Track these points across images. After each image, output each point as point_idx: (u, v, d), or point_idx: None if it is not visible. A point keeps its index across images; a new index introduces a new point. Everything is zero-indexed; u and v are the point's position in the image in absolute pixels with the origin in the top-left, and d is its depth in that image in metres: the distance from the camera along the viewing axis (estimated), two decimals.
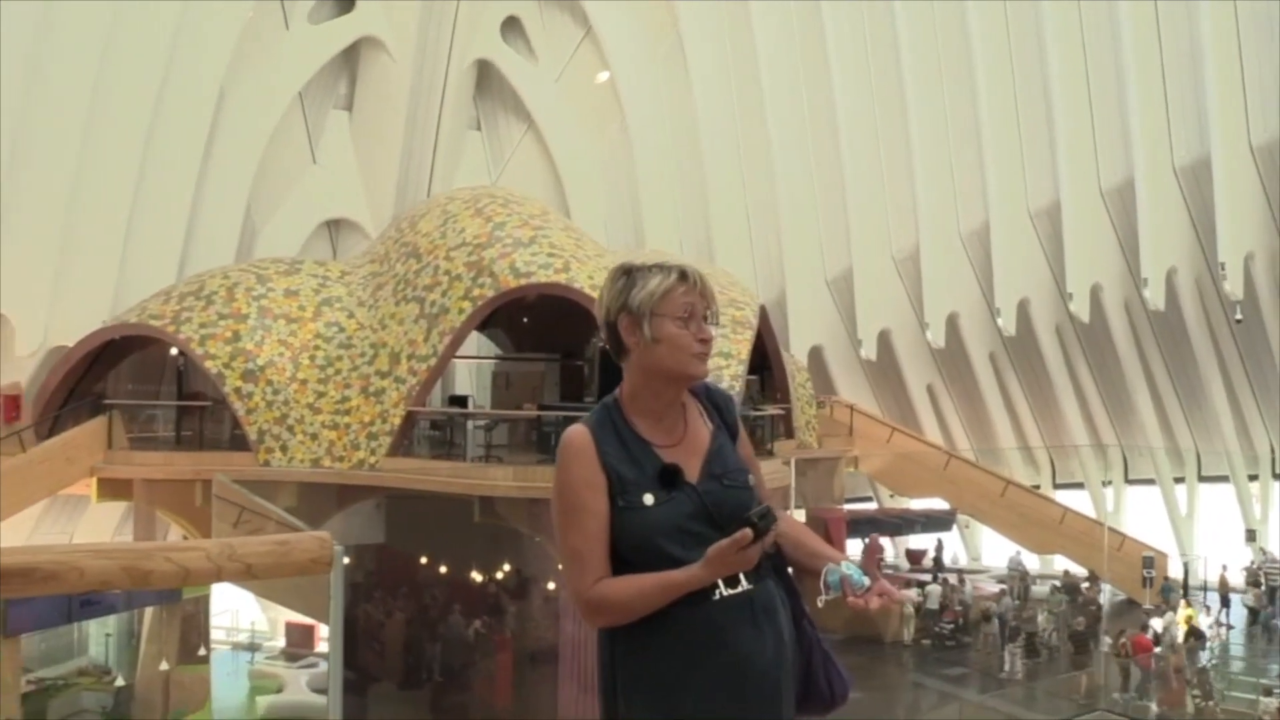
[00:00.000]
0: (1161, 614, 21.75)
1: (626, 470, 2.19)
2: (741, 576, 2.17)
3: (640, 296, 2.21)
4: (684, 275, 2.24)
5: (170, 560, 1.66)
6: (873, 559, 2.24)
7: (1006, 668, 20.62)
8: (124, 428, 19.37)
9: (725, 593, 2.16)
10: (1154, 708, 18.66)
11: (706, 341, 2.24)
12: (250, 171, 23.39)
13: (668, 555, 2.15)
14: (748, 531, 2.06)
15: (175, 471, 18.75)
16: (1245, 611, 24.60)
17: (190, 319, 19.14)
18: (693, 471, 2.23)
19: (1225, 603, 25.08)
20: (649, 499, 2.18)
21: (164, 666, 15.82)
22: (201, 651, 16.13)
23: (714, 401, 2.39)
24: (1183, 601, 22.71)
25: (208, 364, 18.92)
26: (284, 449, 18.96)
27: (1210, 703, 18.03)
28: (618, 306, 2.23)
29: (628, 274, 2.26)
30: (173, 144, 21.84)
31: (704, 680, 2.14)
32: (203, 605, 17.00)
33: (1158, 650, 19.61)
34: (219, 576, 1.71)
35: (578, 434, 2.23)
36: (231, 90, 22.91)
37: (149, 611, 16.98)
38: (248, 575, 1.74)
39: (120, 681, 15.82)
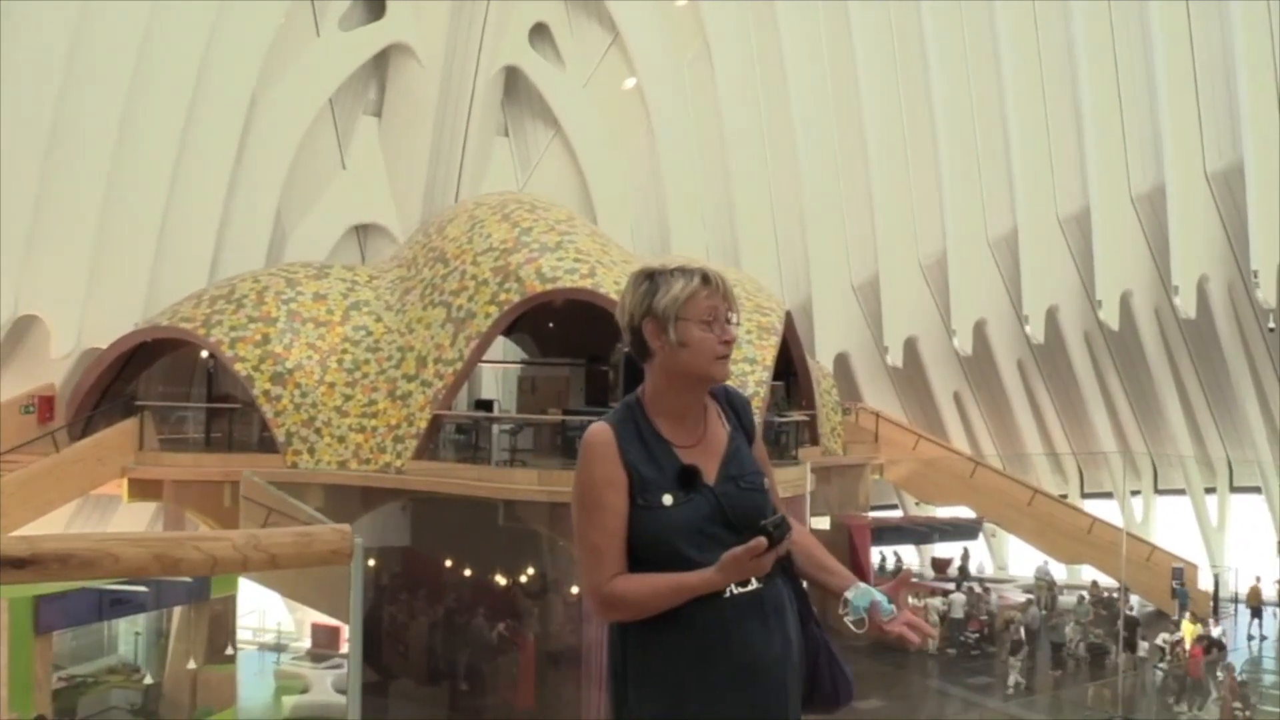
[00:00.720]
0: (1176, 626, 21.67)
1: (647, 469, 2.24)
2: (752, 576, 2.21)
3: (665, 301, 2.25)
4: (706, 279, 2.28)
5: (199, 549, 1.73)
6: (900, 588, 2.27)
7: (1011, 681, 20.41)
8: (155, 429, 19.63)
9: (736, 592, 2.20)
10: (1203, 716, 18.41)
11: (729, 344, 2.28)
12: (281, 176, 23.64)
13: (683, 556, 2.19)
14: (762, 540, 2.10)
15: (204, 473, 18.98)
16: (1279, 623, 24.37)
17: (221, 322, 19.37)
18: (710, 473, 2.28)
19: (1257, 614, 24.78)
20: (668, 499, 2.22)
21: (191, 665, 15.98)
22: (229, 651, 16.28)
23: (732, 404, 2.43)
24: (1188, 615, 22.45)
25: (237, 366, 19.14)
26: (311, 451, 19.14)
27: (1248, 714, 17.82)
28: (642, 311, 2.27)
29: (650, 278, 2.30)
30: (205, 149, 22.12)
31: (714, 677, 2.18)
32: (230, 605, 17.16)
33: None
34: (245, 566, 1.77)
35: (600, 432, 2.28)
36: (263, 96, 23.17)
37: (177, 611, 17.16)
38: (272, 565, 1.80)
39: (149, 680, 16.02)
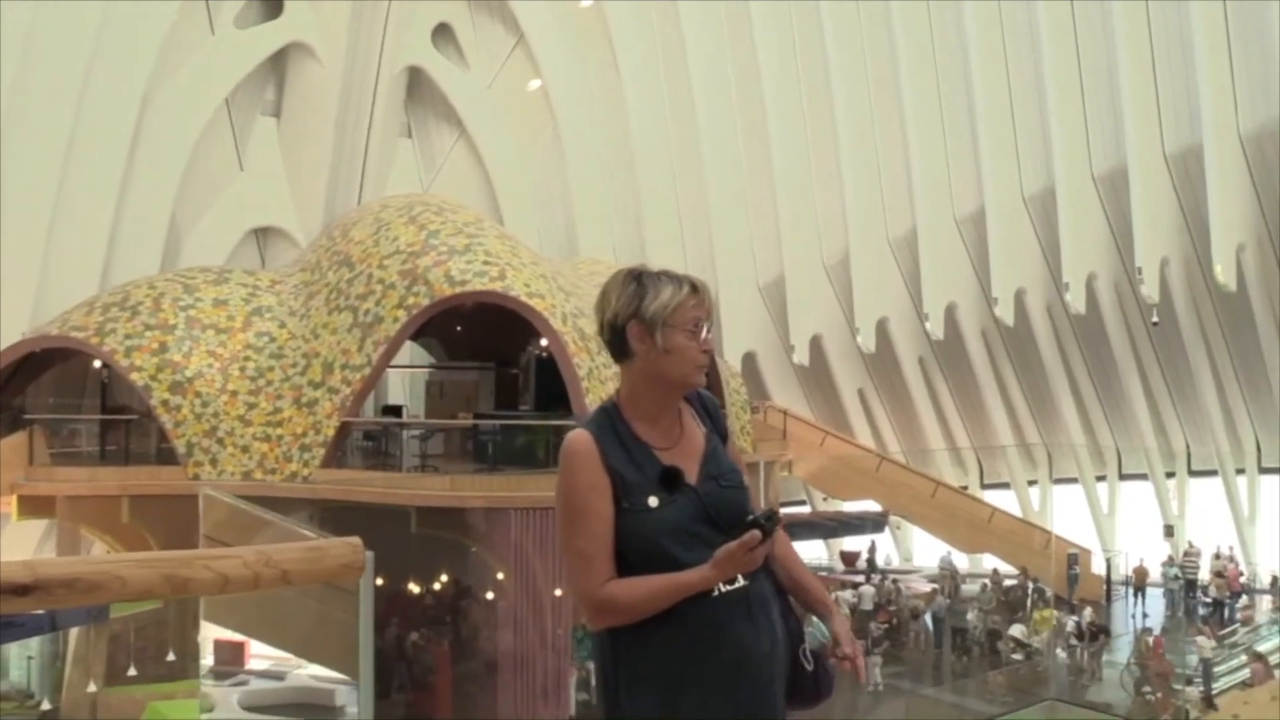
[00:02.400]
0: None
1: (630, 473, 2.24)
2: (739, 574, 2.23)
3: (654, 306, 2.26)
4: (694, 288, 2.30)
5: (209, 568, 1.65)
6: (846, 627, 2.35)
7: (868, 679, 20.22)
8: (45, 443, 18.78)
9: (724, 590, 2.21)
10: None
11: (708, 353, 2.31)
12: (175, 179, 22.90)
13: (671, 556, 2.20)
14: (756, 533, 2.12)
15: (100, 487, 18.21)
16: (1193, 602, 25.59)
17: (115, 330, 18.65)
18: (691, 473, 2.29)
19: (1140, 594, 25.66)
20: (653, 501, 2.23)
21: (91, 688, 15.38)
22: (131, 672, 15.71)
23: (704, 406, 2.45)
24: (1043, 603, 23.07)
25: (133, 376, 18.46)
26: (214, 462, 18.57)
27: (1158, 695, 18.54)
28: (629, 313, 2.27)
29: (638, 280, 2.30)
30: (94, 150, 21.29)
31: (705, 675, 2.20)
32: (130, 625, 16.57)
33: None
34: (256, 583, 1.70)
35: (580, 438, 2.27)
36: (155, 96, 22.41)
37: (74, 633, 16.50)
38: (283, 581, 1.73)
39: (45, 705, 15.36)
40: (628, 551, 2.21)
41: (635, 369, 2.31)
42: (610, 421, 2.30)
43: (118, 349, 18.50)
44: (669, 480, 2.24)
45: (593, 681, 18.09)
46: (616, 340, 2.31)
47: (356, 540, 1.94)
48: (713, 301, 2.36)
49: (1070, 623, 21.60)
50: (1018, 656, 20.95)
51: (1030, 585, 24.85)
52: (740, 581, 2.23)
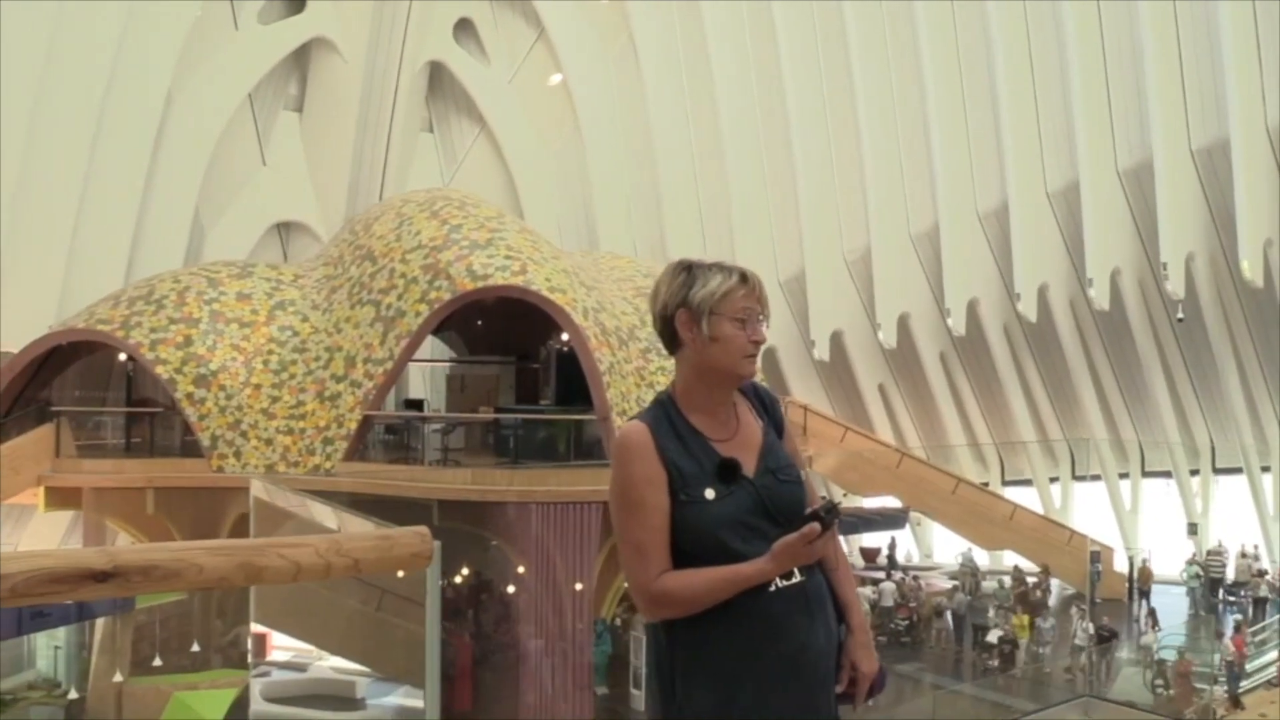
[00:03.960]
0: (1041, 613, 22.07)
1: (686, 465, 2.23)
2: (795, 569, 2.22)
3: (701, 294, 2.25)
4: (744, 278, 2.30)
5: (282, 556, 1.66)
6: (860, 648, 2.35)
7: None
8: (71, 435, 18.98)
9: (781, 585, 2.20)
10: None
11: (758, 344, 2.29)
12: (199, 174, 23.04)
13: (728, 549, 2.19)
14: (815, 525, 2.11)
15: (125, 479, 18.40)
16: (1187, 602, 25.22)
17: (140, 323, 18.80)
18: (749, 466, 2.28)
19: (1144, 594, 24.71)
20: (710, 493, 2.22)
21: (117, 678, 15.52)
22: (156, 662, 15.83)
23: (761, 399, 2.44)
24: (1019, 607, 22.59)
25: (158, 369, 18.60)
26: (237, 455, 18.69)
27: (1170, 691, 18.44)
28: (677, 301, 2.27)
29: (688, 270, 2.30)
30: (119, 146, 21.44)
31: (762, 670, 2.19)
32: (156, 615, 16.70)
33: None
34: (328, 572, 1.71)
35: (636, 430, 2.26)
36: (179, 91, 22.55)
37: (100, 623, 16.65)
38: (355, 570, 1.74)
39: (72, 694, 15.50)
40: (684, 543, 2.20)
41: (686, 360, 2.30)
42: (666, 413, 2.30)
43: (143, 342, 18.64)
44: (726, 472, 2.24)
45: (642, 673, 18.11)
46: (667, 330, 2.31)
47: (424, 529, 1.95)
48: (765, 294, 2.34)
49: (1079, 627, 21.16)
50: (994, 663, 20.69)
51: (1050, 583, 24.70)
52: (798, 576, 2.22)
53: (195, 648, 17.57)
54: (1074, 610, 21.86)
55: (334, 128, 25.38)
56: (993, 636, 21.20)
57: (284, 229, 25.46)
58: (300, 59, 25.19)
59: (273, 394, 18.99)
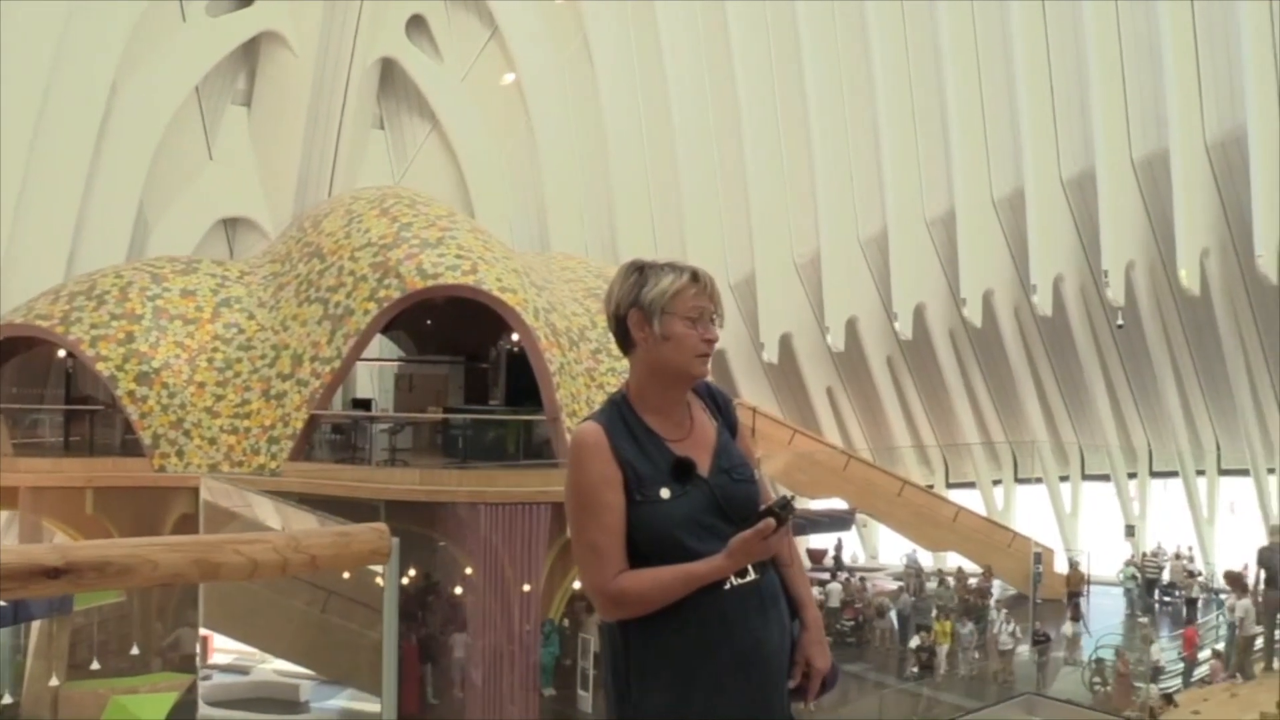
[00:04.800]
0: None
1: (641, 465, 2.24)
2: (750, 567, 2.24)
3: (653, 294, 2.27)
4: (696, 277, 2.31)
5: (239, 553, 1.64)
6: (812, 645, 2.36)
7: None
8: (8, 433, 18.54)
9: (735, 583, 2.22)
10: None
11: (711, 343, 2.31)
12: (144, 167, 22.63)
13: (684, 548, 2.20)
14: (771, 521, 2.13)
15: (64, 479, 17.99)
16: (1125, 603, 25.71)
17: (81, 319, 18.41)
18: (703, 465, 2.30)
19: (1074, 595, 24.78)
20: (665, 493, 2.23)
21: (54, 682, 15.18)
22: (95, 665, 15.50)
23: (714, 399, 2.46)
24: (939, 614, 22.62)
25: (99, 366, 18.22)
26: (180, 454, 18.38)
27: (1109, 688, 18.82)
28: (629, 301, 2.28)
29: (640, 270, 2.32)
30: (62, 137, 21.00)
31: (717, 668, 2.20)
32: (94, 618, 16.36)
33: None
34: (285, 569, 1.70)
35: (591, 431, 2.27)
36: (125, 84, 22.14)
37: (36, 626, 16.28)
38: (312, 567, 1.73)
39: (6, 699, 15.13)
40: (640, 543, 2.21)
41: (640, 360, 2.31)
42: (620, 413, 2.30)
43: (83, 338, 18.26)
44: (681, 472, 2.25)
45: (590, 675, 18.09)
46: (620, 330, 2.32)
47: (383, 526, 1.94)
48: (718, 293, 2.36)
49: (1004, 631, 21.23)
50: (915, 669, 20.69)
51: (992, 584, 25.09)
52: (751, 575, 2.23)
53: (135, 650, 17.24)
54: (995, 614, 21.97)
55: (283, 123, 25.07)
56: (912, 642, 21.33)
57: (230, 225, 25.11)
58: (249, 53, 24.86)
59: (217, 392, 18.70)
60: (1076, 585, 25.66)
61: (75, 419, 19.60)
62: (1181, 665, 19.76)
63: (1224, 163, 24.65)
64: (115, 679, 16.05)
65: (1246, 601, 17.79)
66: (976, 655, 21.52)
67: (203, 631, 15.38)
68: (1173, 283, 26.07)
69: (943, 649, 21.14)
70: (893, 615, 23.45)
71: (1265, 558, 17.06)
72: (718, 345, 2.39)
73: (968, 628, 21.75)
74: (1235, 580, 19.02)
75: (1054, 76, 26.09)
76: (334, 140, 25.60)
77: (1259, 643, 17.43)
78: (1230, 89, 24.09)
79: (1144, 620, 24.61)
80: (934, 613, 23.08)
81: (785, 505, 2.16)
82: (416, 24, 26.70)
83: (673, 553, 2.20)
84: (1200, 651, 20.02)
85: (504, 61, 27.69)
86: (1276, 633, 16.79)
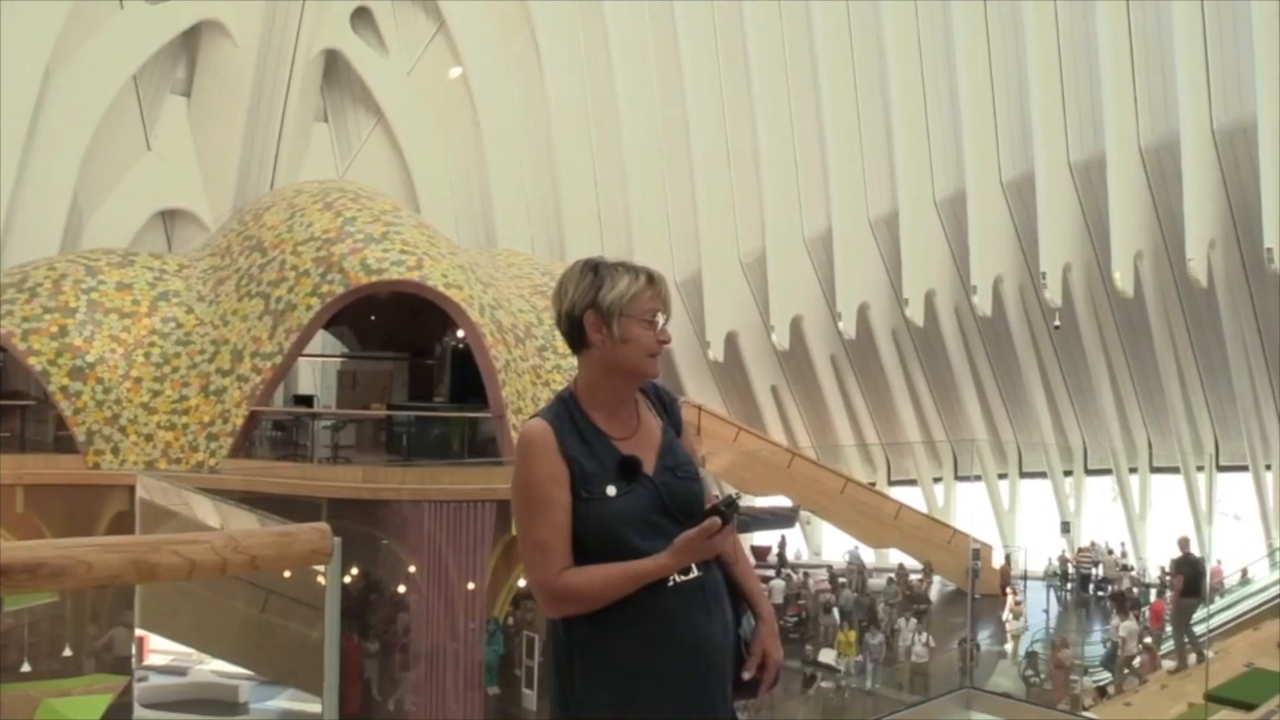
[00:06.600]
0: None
1: (588, 462, 2.26)
2: (693, 564, 2.26)
3: (611, 296, 2.29)
4: (651, 279, 2.33)
5: (177, 553, 1.61)
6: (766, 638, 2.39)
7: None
8: None
9: (679, 580, 2.24)
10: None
11: (664, 343, 2.35)
12: (78, 157, 22.11)
13: (629, 545, 2.22)
14: (716, 520, 2.15)
15: None
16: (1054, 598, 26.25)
17: (11, 312, 17.96)
18: (649, 464, 2.32)
19: (1001, 590, 24.69)
20: (611, 490, 2.25)
21: None
22: (25, 668, 15.13)
23: (660, 398, 2.48)
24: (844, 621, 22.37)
25: (31, 360, 17.80)
26: (115, 451, 18.01)
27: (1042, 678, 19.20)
28: (585, 302, 2.30)
29: (595, 270, 2.33)
30: None
31: (661, 665, 2.22)
32: (24, 619, 15.97)
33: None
34: (224, 569, 1.67)
35: (538, 428, 2.28)
36: (59, 70, 21.59)
37: None
38: (252, 567, 1.71)
39: None
40: (585, 540, 2.23)
41: (592, 359, 2.33)
42: (568, 411, 2.32)
43: (14, 331, 17.83)
44: (627, 470, 2.27)
45: (534, 673, 18.04)
46: (574, 330, 2.33)
47: (325, 526, 1.92)
48: (669, 294, 2.39)
49: (915, 640, 21.14)
50: (827, 684, 20.32)
51: (932, 580, 25.47)
52: (695, 572, 2.26)
53: (67, 652, 16.85)
54: (903, 623, 21.86)
55: (223, 114, 24.63)
56: (823, 656, 20.95)
57: (169, 217, 24.62)
58: (189, 41, 24.38)
59: (154, 388, 18.35)
60: (1005, 580, 26.17)
61: (6, 414, 19.10)
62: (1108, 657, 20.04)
63: (1157, 167, 25.24)
64: (47, 681, 15.65)
65: (1131, 622, 18.29)
66: (872, 667, 20.82)
67: (138, 632, 15.06)
68: (1107, 284, 26.63)
69: (845, 661, 20.67)
70: (835, 612, 23.69)
71: (1180, 566, 17.17)
72: None
73: (878, 639, 21.15)
74: (1119, 600, 19.43)
75: (995, 80, 26.52)
76: (276, 132, 25.22)
77: (1136, 661, 17.86)
78: (1164, 95, 24.67)
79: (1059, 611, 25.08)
80: (880, 608, 23.31)
81: (730, 504, 2.19)
82: (362, 16, 26.39)
83: (618, 550, 2.21)
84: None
85: (450, 56, 27.48)
86: (1185, 637, 17.12)
